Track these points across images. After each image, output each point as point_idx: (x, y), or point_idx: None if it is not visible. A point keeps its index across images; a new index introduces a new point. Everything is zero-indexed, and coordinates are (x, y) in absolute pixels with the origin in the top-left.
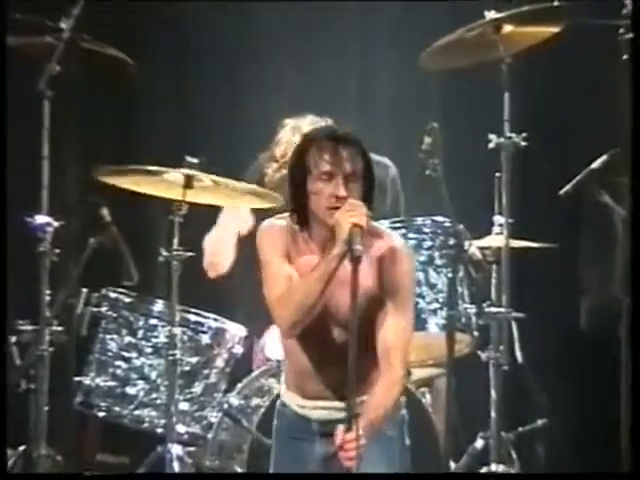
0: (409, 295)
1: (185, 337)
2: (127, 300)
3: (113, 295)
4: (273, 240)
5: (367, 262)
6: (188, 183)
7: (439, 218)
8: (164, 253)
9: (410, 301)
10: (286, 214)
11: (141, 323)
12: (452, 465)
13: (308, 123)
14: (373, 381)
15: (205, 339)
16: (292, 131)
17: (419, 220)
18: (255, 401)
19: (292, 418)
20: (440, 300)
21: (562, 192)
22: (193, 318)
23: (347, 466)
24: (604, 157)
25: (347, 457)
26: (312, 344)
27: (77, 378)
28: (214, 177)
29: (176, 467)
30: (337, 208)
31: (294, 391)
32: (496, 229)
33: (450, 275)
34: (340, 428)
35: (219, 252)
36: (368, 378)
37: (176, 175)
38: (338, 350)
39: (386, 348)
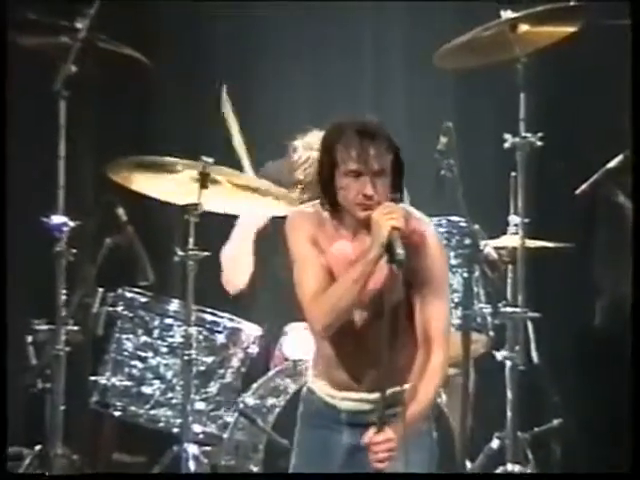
0: (444, 279)
1: (201, 337)
2: (143, 300)
3: (129, 295)
4: (302, 228)
5: None
6: (203, 182)
7: (454, 218)
8: (180, 253)
9: (446, 285)
10: (314, 202)
11: (157, 323)
12: (468, 465)
13: (316, 137)
14: (408, 370)
15: (220, 339)
16: (305, 150)
17: (434, 220)
18: (271, 401)
19: (319, 406)
20: (456, 300)
21: (578, 192)
22: (209, 318)
23: (376, 468)
24: (620, 157)
25: (377, 459)
26: (342, 333)
27: (93, 378)
28: (231, 177)
29: (192, 467)
30: (364, 204)
31: (323, 379)
32: (511, 229)
33: (466, 275)
34: (370, 429)
35: (236, 268)
36: (403, 368)
37: (191, 173)
38: (369, 339)
39: (427, 336)
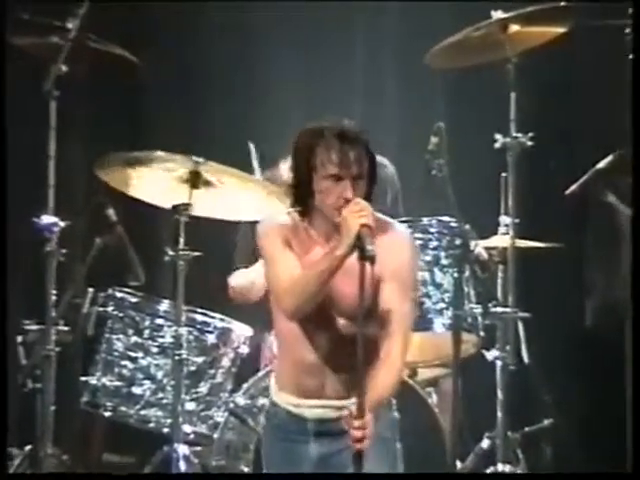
0: (410, 282)
1: (191, 337)
2: (133, 300)
3: (119, 295)
4: (273, 235)
5: None
6: (194, 182)
7: (445, 218)
8: (170, 253)
9: (411, 288)
10: (285, 210)
11: (147, 323)
12: (458, 465)
13: None
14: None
15: (211, 339)
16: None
17: (425, 220)
18: (261, 401)
19: (284, 418)
20: (446, 300)
21: (568, 192)
22: (199, 318)
23: (359, 448)
24: (610, 157)
25: (357, 438)
26: (314, 337)
27: (83, 378)
28: (222, 174)
29: (182, 467)
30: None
31: (288, 391)
32: (502, 229)
33: (456, 275)
34: (350, 412)
35: (251, 290)
36: (370, 373)
37: (182, 173)
38: (340, 343)
39: (386, 333)
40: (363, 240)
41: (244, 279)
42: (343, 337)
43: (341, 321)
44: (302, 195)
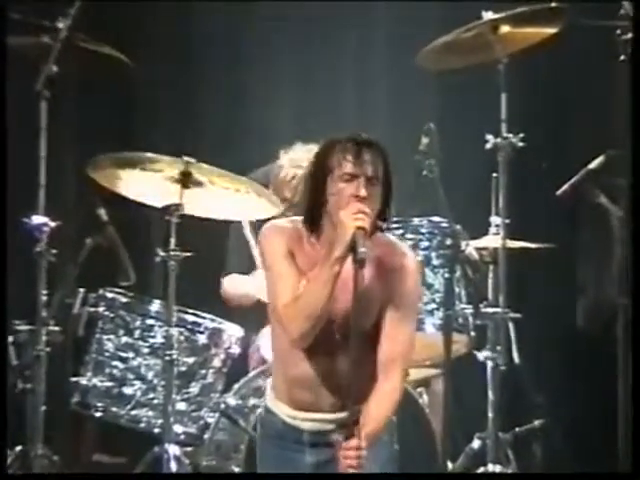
0: (414, 308)
1: (182, 337)
2: (124, 300)
3: (110, 295)
4: (276, 242)
5: (375, 270)
6: (185, 182)
7: (436, 218)
8: (161, 253)
9: (415, 314)
10: (290, 217)
11: (138, 323)
12: (449, 465)
13: (302, 153)
14: (369, 390)
15: (202, 339)
16: (291, 167)
17: (416, 220)
18: (252, 401)
19: (280, 427)
20: (437, 300)
21: (559, 192)
22: (190, 318)
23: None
24: (601, 158)
25: (348, 465)
26: (309, 352)
27: (74, 378)
28: (213, 176)
29: (173, 467)
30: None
31: (283, 401)
32: (493, 229)
33: (447, 275)
34: (340, 435)
35: (245, 299)
36: (364, 387)
37: (173, 173)
38: (335, 357)
39: (387, 358)
40: (356, 242)
41: (240, 288)
42: (338, 352)
43: (337, 337)
44: (315, 201)
